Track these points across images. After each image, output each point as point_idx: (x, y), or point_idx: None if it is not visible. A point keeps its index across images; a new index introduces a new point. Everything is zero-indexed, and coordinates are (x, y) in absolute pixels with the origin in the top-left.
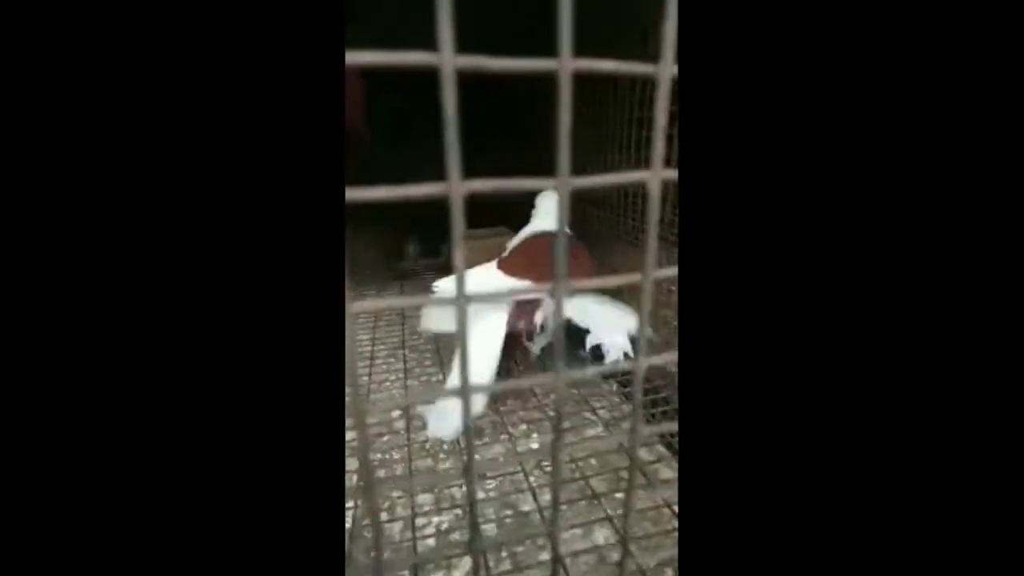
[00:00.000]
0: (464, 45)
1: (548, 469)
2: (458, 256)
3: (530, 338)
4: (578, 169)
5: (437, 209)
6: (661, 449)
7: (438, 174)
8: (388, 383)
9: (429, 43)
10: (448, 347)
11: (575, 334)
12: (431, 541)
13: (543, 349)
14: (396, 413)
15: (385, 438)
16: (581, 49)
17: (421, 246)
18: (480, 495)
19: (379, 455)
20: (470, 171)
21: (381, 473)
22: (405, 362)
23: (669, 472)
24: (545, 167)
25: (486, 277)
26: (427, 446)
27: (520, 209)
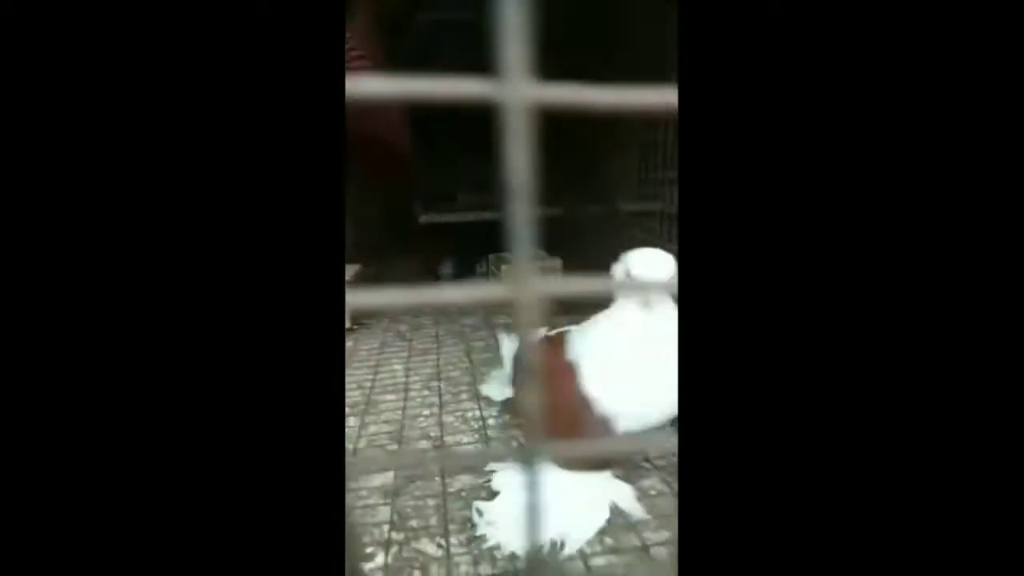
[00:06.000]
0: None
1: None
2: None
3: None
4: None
5: (475, 227)
6: None
7: (479, 200)
8: (422, 418)
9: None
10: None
11: None
12: None
13: None
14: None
15: (417, 483)
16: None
17: (457, 267)
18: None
19: (411, 502)
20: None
21: (414, 523)
22: (440, 395)
23: None
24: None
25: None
26: (462, 493)
27: (573, 237)
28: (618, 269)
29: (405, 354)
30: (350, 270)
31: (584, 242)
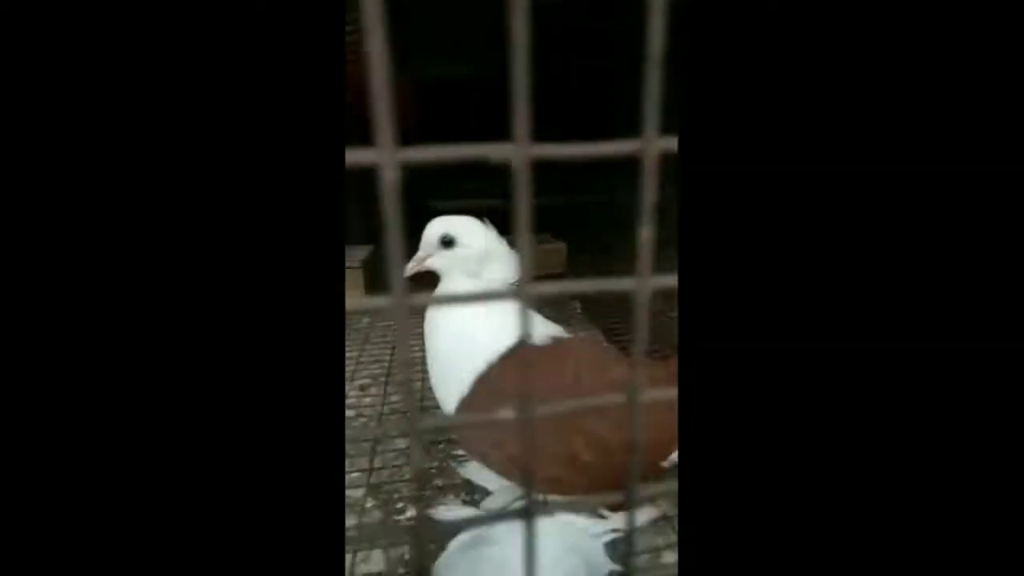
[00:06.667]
0: None
1: None
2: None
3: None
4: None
5: (481, 213)
6: None
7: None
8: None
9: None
10: None
11: None
12: None
13: None
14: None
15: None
16: None
17: None
18: None
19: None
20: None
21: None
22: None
23: None
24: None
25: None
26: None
27: (567, 213)
28: (429, 233)
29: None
30: (363, 251)
31: (589, 227)
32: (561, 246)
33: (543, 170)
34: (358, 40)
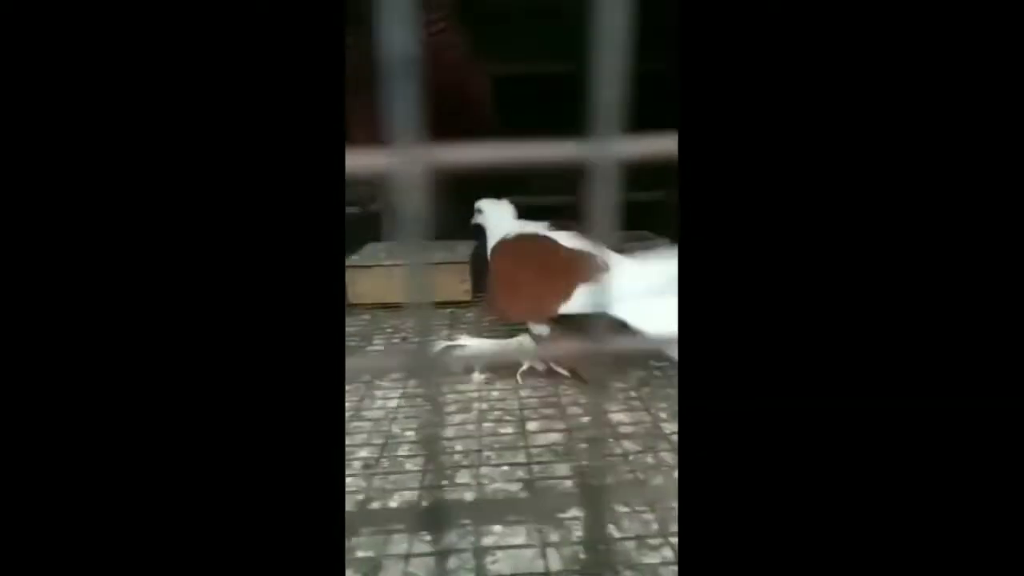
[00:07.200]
0: None
1: None
2: None
3: None
4: None
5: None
6: None
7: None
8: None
9: None
10: None
11: None
12: None
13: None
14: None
15: None
16: None
17: None
18: None
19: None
20: None
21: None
22: None
23: None
24: None
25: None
26: None
27: (666, 209)
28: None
29: None
30: (470, 246)
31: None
32: (664, 241)
33: (636, 167)
34: (444, 34)
